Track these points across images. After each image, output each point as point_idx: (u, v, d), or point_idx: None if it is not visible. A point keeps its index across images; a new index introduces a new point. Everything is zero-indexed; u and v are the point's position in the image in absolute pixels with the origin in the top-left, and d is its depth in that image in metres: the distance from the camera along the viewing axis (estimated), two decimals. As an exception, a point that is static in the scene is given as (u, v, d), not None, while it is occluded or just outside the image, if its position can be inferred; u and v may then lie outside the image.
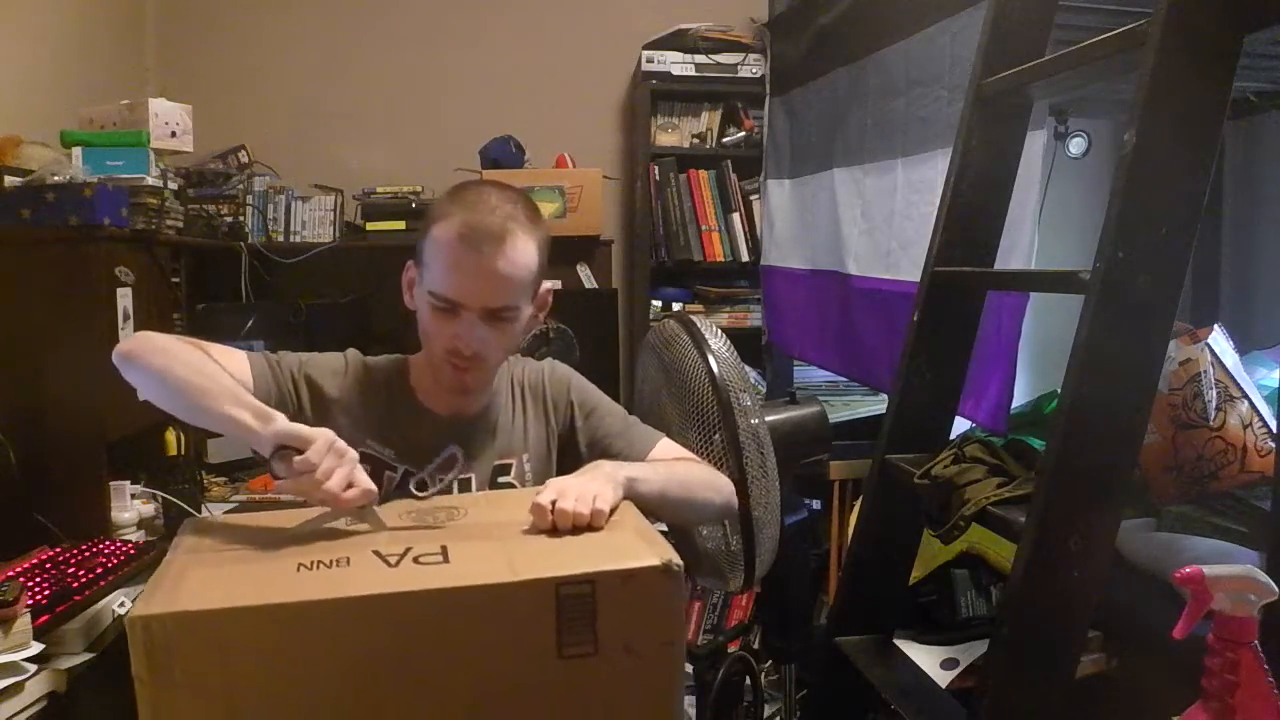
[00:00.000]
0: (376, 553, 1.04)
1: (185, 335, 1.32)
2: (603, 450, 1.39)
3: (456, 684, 0.98)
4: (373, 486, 1.14)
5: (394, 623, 0.96)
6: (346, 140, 3.28)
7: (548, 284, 1.39)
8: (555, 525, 1.09)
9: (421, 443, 1.36)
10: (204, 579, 1.00)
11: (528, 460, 1.40)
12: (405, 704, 0.96)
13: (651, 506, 1.25)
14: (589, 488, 1.13)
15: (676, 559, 1.00)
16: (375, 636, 0.95)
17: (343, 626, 0.95)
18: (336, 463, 1.11)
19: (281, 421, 1.14)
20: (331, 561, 1.02)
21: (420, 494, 1.32)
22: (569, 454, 1.42)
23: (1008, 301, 1.79)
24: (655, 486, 1.27)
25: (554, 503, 1.10)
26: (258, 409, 1.16)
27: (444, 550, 1.04)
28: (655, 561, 1.00)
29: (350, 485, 1.12)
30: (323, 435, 1.12)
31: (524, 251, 1.28)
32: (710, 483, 1.40)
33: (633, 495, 1.21)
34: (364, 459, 1.22)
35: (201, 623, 0.93)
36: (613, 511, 1.14)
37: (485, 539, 1.09)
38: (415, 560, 1.02)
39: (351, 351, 1.41)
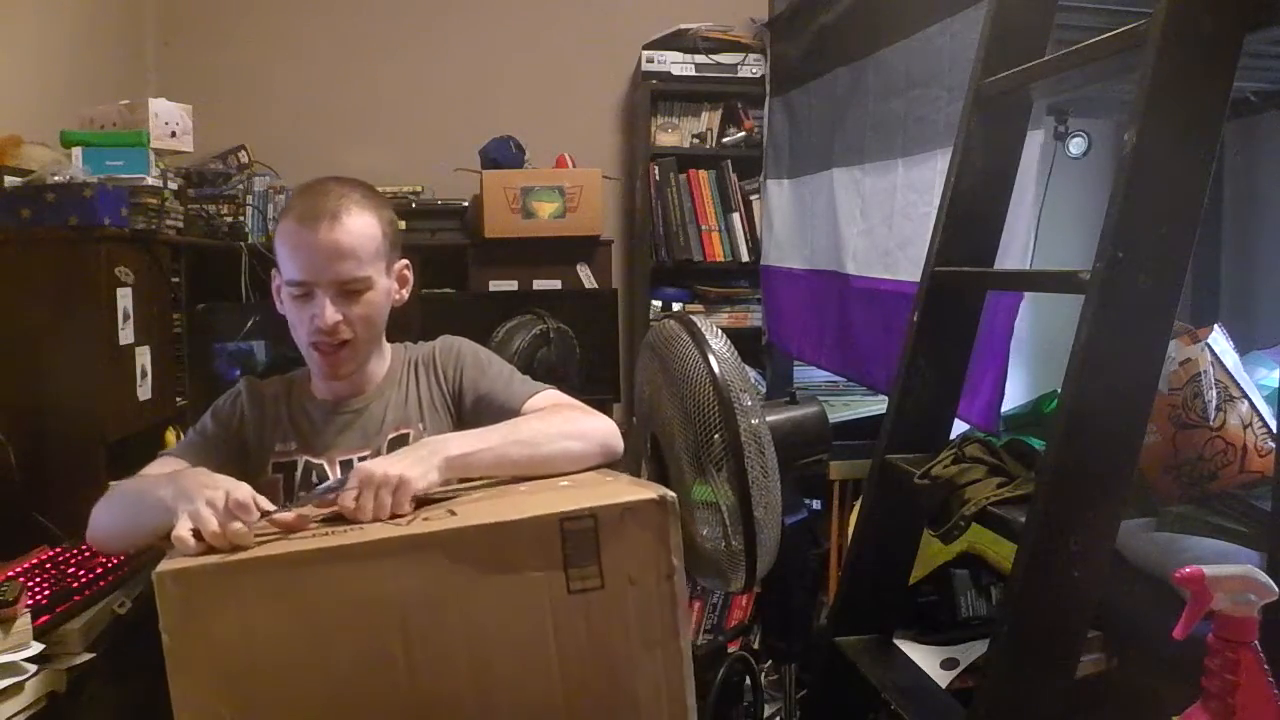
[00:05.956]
0: (386, 522, 1.09)
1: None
2: (485, 404, 1.46)
3: (468, 627, 1.00)
4: (246, 500, 1.09)
5: (407, 568, 1.00)
6: (346, 140, 3.28)
7: (403, 261, 1.50)
8: (359, 514, 1.11)
9: (316, 430, 1.46)
10: None
11: (424, 429, 1.46)
12: (417, 648, 0.99)
13: (498, 472, 1.27)
14: (391, 474, 1.14)
15: (671, 494, 1.06)
16: (389, 583, 0.99)
17: (358, 573, 0.99)
18: (233, 521, 1.06)
19: (180, 507, 1.10)
20: (345, 529, 1.07)
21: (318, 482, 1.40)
22: (461, 411, 1.49)
23: (1002, 302, 1.79)
24: (491, 455, 1.27)
25: (358, 495, 1.12)
26: (167, 509, 1.13)
27: (450, 512, 1.09)
28: (651, 495, 1.06)
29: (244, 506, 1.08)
30: (199, 520, 1.06)
31: (360, 221, 1.38)
32: (568, 431, 1.35)
33: (463, 470, 1.24)
34: (276, 467, 1.42)
35: (228, 574, 0.97)
36: (446, 497, 1.18)
37: (488, 500, 1.15)
38: (424, 520, 1.07)
39: (243, 379, 1.54)
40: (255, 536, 1.06)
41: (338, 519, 1.12)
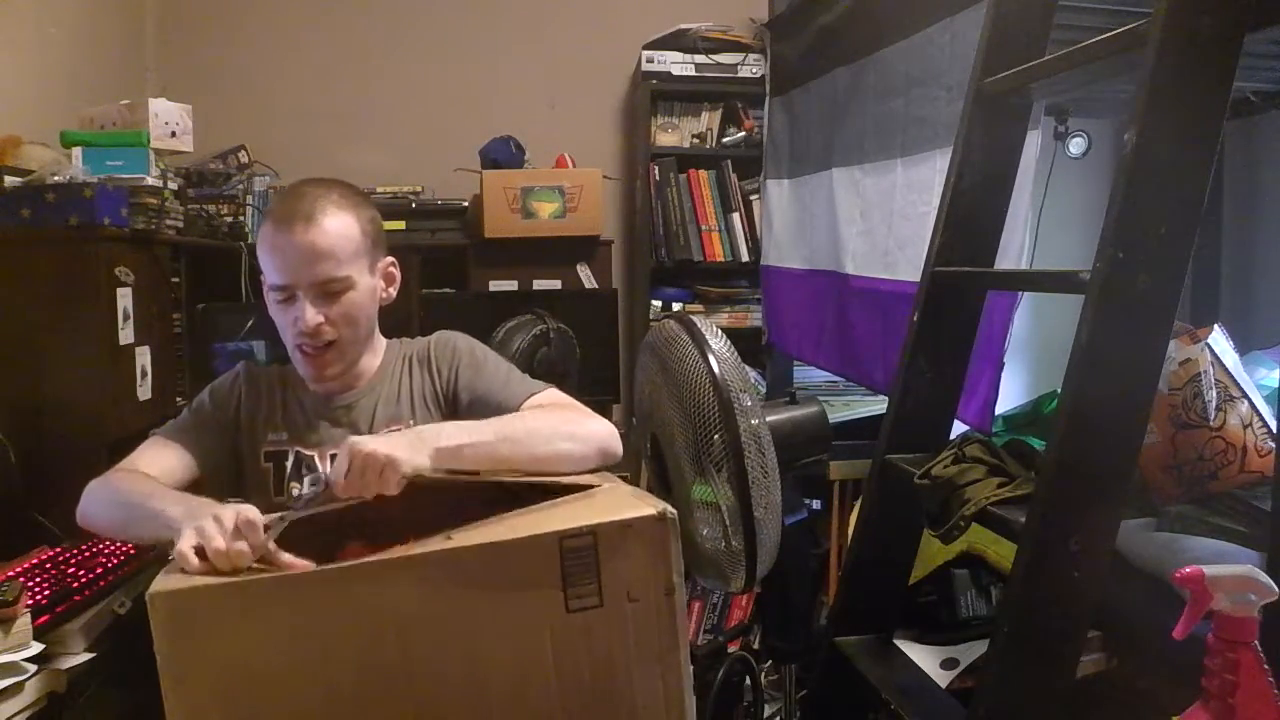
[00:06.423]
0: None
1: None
2: (482, 404, 1.44)
3: (468, 646, 1.00)
4: (255, 520, 1.08)
5: (405, 588, 0.98)
6: (346, 140, 3.28)
7: (389, 259, 1.48)
8: (347, 490, 1.12)
9: (309, 424, 1.48)
10: None
11: (415, 425, 1.45)
12: (416, 667, 0.98)
13: (491, 467, 1.26)
14: (380, 452, 1.13)
15: (671, 509, 1.04)
16: (386, 604, 0.98)
17: (356, 594, 0.98)
18: (238, 541, 1.06)
19: (186, 524, 1.10)
20: None
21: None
22: (456, 409, 1.48)
23: (998, 303, 1.79)
24: (483, 449, 1.26)
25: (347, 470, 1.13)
26: (169, 525, 1.14)
27: (448, 536, 1.07)
28: (651, 511, 1.04)
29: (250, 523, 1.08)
30: (205, 536, 1.06)
31: (336, 221, 1.38)
32: (565, 432, 1.34)
33: (454, 461, 1.22)
34: (268, 456, 1.44)
35: (219, 596, 0.96)
36: (434, 482, 1.17)
37: (485, 524, 1.12)
38: (423, 543, 1.05)
39: (242, 363, 1.56)
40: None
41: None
